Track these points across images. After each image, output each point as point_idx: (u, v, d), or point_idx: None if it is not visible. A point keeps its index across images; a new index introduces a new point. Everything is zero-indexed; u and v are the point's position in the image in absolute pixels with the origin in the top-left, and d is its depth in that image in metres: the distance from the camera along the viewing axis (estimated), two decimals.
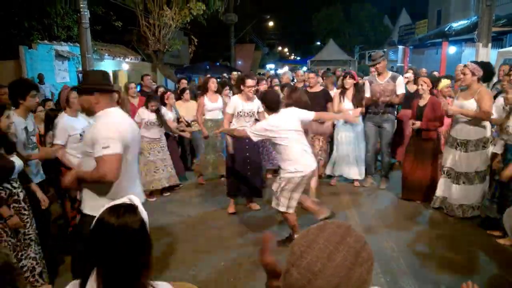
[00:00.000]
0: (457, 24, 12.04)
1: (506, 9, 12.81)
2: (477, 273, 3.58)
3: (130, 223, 1.31)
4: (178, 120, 6.39)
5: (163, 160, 5.72)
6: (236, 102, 4.88)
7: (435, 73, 7.17)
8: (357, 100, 5.75)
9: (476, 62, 4.67)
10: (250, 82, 4.78)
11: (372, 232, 4.46)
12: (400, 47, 18.48)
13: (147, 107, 5.58)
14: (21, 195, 3.03)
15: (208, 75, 7.16)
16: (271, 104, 4.02)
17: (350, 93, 5.84)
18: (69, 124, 3.84)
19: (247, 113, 4.88)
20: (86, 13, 8.38)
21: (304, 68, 24.38)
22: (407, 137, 5.87)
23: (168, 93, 6.28)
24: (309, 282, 0.90)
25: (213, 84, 6.19)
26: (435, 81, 5.61)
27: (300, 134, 3.98)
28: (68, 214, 4.22)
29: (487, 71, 4.57)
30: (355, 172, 6.06)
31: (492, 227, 4.24)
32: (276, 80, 8.22)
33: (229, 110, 4.90)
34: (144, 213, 1.38)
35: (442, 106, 4.77)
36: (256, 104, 4.93)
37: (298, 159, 3.86)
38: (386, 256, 3.89)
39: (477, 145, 4.54)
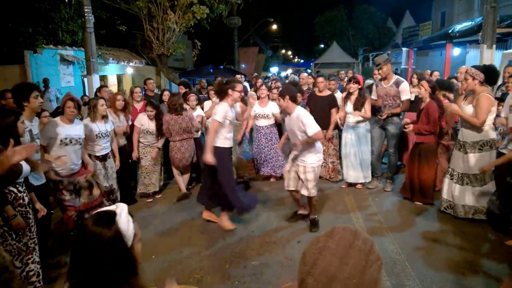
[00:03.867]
0: (461, 26, 11.96)
1: (510, 10, 12.77)
2: (484, 275, 3.55)
3: (102, 231, 1.29)
4: None
5: (155, 165, 5.78)
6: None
7: (435, 72, 7.20)
8: (358, 105, 5.78)
9: (478, 66, 4.66)
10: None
11: (377, 234, 4.44)
12: (404, 49, 18.41)
13: (145, 111, 5.68)
14: (26, 199, 3.04)
15: (186, 90, 7.10)
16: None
17: (354, 97, 5.86)
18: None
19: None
20: (90, 17, 8.46)
21: (308, 71, 24.38)
22: (411, 141, 5.89)
23: (191, 94, 6.23)
24: (325, 287, 0.92)
25: (193, 102, 6.17)
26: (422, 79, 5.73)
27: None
28: (66, 218, 4.22)
29: (491, 73, 4.54)
30: (360, 175, 6.06)
31: (501, 229, 4.22)
32: (278, 84, 8.15)
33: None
34: (123, 222, 1.34)
35: (444, 105, 4.82)
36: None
37: None
38: (391, 259, 3.87)
39: (474, 147, 4.56)
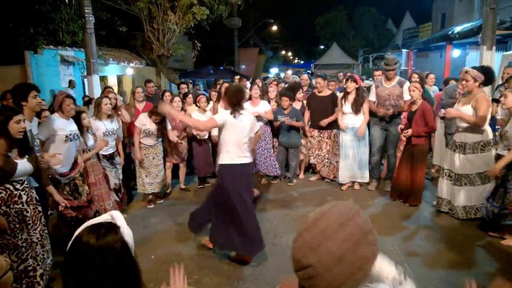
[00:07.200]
0: (461, 28, 11.99)
1: (510, 12, 12.77)
2: (481, 276, 3.56)
3: (112, 244, 1.16)
4: None
5: (156, 166, 5.60)
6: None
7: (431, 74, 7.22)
8: (357, 105, 5.77)
9: (476, 67, 4.66)
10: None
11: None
12: (404, 51, 18.45)
13: (150, 116, 5.45)
14: (24, 197, 3.06)
15: (219, 83, 7.29)
16: None
17: (351, 97, 5.85)
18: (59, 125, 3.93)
19: None
20: (91, 18, 8.47)
21: (308, 72, 24.37)
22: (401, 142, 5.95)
23: (200, 96, 6.43)
24: (319, 245, 0.97)
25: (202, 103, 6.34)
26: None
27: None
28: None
29: (489, 75, 4.57)
30: (356, 174, 6.07)
31: (493, 229, 4.31)
32: (281, 85, 8.10)
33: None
34: (126, 232, 1.21)
35: (444, 111, 4.80)
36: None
37: None
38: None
39: (475, 148, 4.58)
